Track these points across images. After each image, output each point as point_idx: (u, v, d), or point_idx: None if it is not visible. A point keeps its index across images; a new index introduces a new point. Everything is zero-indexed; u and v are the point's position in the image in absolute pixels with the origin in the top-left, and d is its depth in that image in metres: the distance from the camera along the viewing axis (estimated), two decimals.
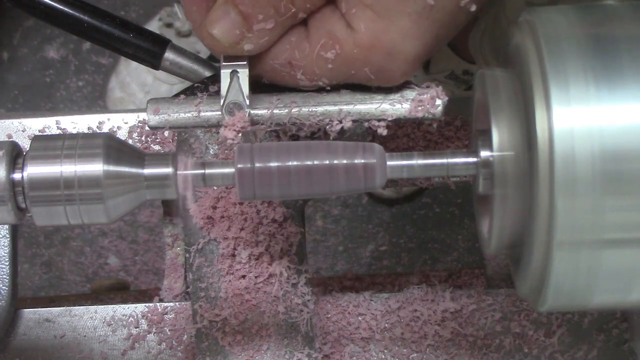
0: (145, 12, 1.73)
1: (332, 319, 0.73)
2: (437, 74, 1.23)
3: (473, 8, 0.55)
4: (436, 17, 0.54)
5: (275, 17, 0.55)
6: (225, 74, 0.57)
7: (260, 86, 0.59)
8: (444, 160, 0.56)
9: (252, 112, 0.58)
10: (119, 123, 0.75)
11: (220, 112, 0.58)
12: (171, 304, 0.72)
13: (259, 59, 0.57)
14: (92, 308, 0.73)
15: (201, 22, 0.57)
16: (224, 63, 0.57)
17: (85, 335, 0.72)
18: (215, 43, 0.56)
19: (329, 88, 0.59)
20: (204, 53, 1.60)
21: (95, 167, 0.53)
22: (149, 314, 0.72)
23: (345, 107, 0.59)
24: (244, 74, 0.57)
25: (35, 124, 0.75)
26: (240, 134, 0.57)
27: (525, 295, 0.56)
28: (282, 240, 0.67)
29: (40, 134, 0.74)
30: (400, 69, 0.57)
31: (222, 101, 0.58)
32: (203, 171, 0.55)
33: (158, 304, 0.73)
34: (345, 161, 0.54)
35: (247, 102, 0.58)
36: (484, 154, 0.55)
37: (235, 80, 0.57)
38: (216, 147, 0.68)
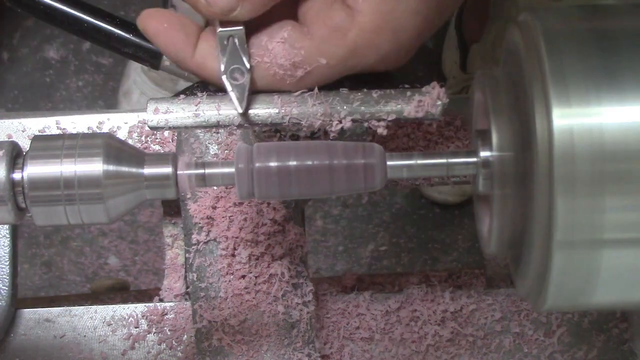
0: None
1: (332, 319, 0.73)
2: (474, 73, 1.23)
3: None
4: None
5: None
6: (222, 39, 0.57)
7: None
8: (444, 160, 0.56)
9: (252, 112, 0.58)
10: (119, 123, 0.75)
11: (223, 79, 0.57)
12: (171, 304, 0.72)
13: (259, 70, 0.57)
14: (92, 308, 0.73)
15: None
16: (220, 29, 0.57)
17: (85, 335, 0.72)
18: (208, 8, 0.56)
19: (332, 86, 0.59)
20: None
21: (95, 167, 0.53)
22: (149, 314, 0.72)
23: (345, 107, 0.59)
24: (241, 39, 0.57)
25: (35, 124, 0.75)
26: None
27: (525, 295, 0.56)
28: (282, 240, 0.67)
29: (40, 134, 0.74)
30: (405, 48, 0.57)
31: (222, 67, 0.57)
32: (203, 171, 0.55)
33: (158, 304, 0.73)
34: (345, 161, 0.54)
35: (248, 65, 0.57)
36: (484, 154, 0.55)
37: (232, 45, 0.57)
38: (216, 147, 0.68)
